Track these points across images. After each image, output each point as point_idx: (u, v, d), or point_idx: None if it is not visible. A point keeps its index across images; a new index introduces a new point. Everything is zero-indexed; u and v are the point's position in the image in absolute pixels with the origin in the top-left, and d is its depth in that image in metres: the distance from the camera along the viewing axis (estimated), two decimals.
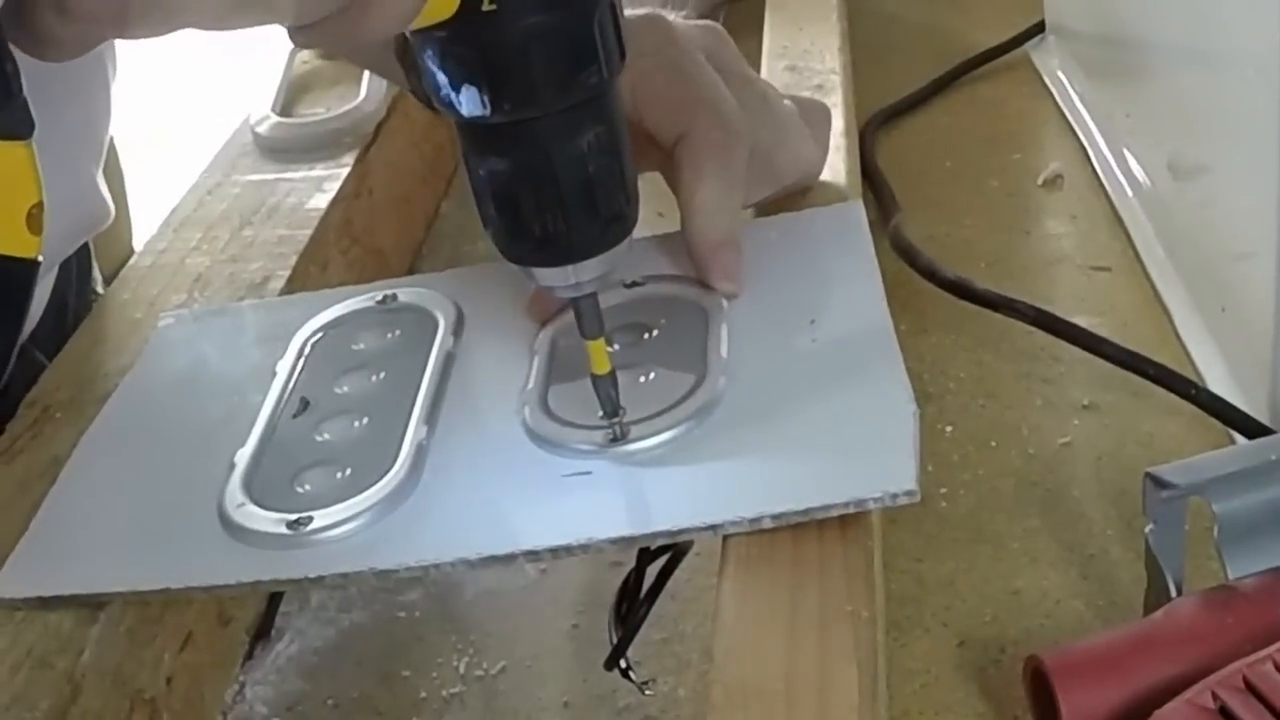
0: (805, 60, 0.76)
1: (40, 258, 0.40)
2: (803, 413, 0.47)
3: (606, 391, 0.47)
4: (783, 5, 0.84)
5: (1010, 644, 0.50)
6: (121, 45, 0.68)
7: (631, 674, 0.46)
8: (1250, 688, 0.41)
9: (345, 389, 0.54)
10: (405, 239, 0.80)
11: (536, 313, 0.54)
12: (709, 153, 0.53)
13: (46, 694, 0.43)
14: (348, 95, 0.80)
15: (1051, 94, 0.88)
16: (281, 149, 0.76)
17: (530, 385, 0.51)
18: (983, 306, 0.65)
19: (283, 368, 0.55)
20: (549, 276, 0.46)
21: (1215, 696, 0.41)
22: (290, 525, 0.46)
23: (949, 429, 0.61)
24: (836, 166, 0.63)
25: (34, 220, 0.39)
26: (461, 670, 0.53)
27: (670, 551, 0.46)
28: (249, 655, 0.54)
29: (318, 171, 0.73)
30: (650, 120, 0.54)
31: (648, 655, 0.51)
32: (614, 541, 0.44)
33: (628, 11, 0.44)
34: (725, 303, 0.53)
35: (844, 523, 0.43)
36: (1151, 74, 0.75)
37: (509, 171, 0.44)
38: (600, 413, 0.47)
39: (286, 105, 0.81)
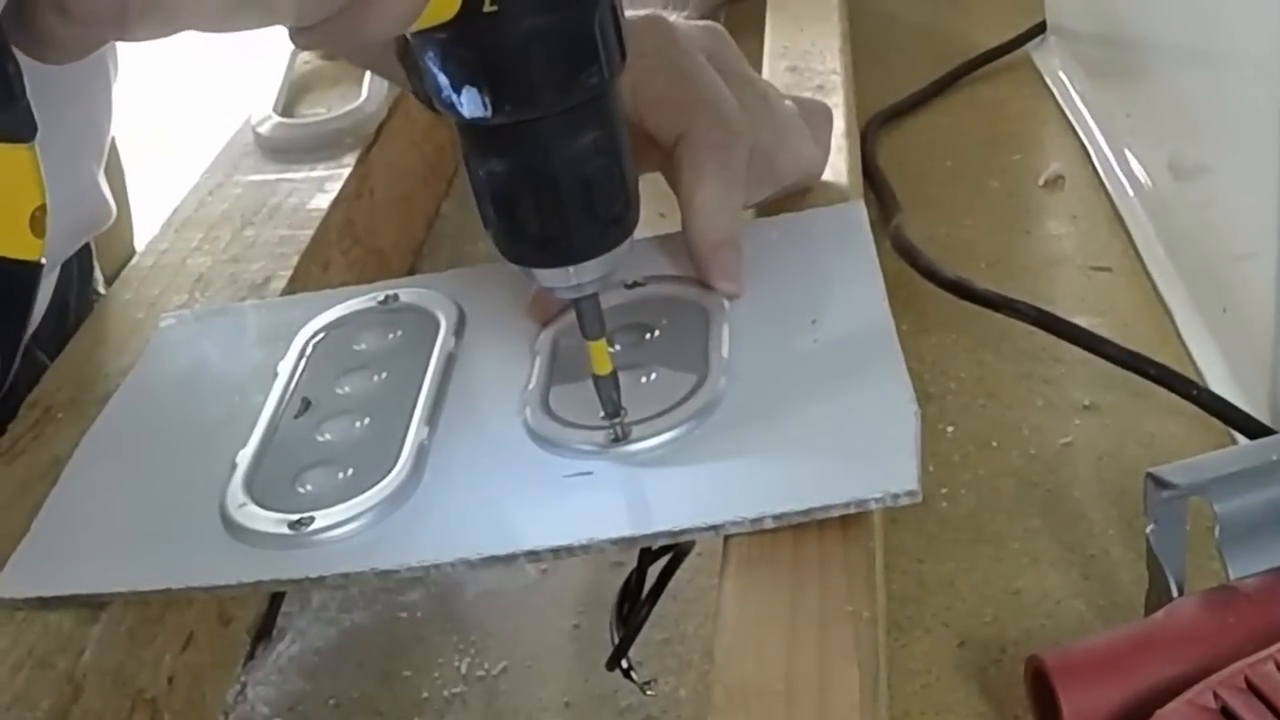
0: (806, 60, 0.76)
1: (43, 260, 0.40)
2: (804, 413, 0.47)
3: (608, 392, 0.47)
4: (784, 5, 0.84)
5: (1011, 644, 0.50)
6: (123, 45, 0.68)
7: (633, 674, 0.46)
8: (1252, 688, 0.41)
9: (347, 389, 0.54)
10: (406, 239, 0.81)
11: (538, 313, 0.54)
12: (709, 153, 0.53)
13: (47, 694, 0.43)
14: (349, 96, 0.80)
15: (1052, 94, 0.88)
16: (283, 149, 0.76)
17: (531, 386, 0.51)
18: (983, 307, 0.65)
19: (284, 368, 0.55)
20: (550, 277, 0.46)
21: (1217, 696, 0.41)
22: (292, 525, 0.46)
23: (950, 429, 0.61)
24: (837, 166, 0.63)
25: (37, 223, 0.39)
26: (463, 670, 0.53)
27: (672, 552, 0.46)
28: (250, 655, 0.54)
29: (319, 172, 0.73)
30: (650, 121, 0.54)
31: (649, 655, 0.51)
32: (615, 542, 0.44)
33: (628, 12, 0.44)
34: (726, 303, 0.53)
35: (845, 523, 0.43)
36: (1152, 74, 0.75)
37: (510, 172, 0.44)
38: (601, 413, 0.47)
39: (288, 105, 0.81)
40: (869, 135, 0.82)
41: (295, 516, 0.47)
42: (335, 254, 0.70)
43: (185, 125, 2.40)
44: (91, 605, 0.46)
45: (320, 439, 0.51)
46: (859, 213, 0.57)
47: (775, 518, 0.42)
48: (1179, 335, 0.65)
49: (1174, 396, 0.59)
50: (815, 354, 0.49)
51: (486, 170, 0.44)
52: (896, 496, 0.42)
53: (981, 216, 0.77)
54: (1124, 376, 0.61)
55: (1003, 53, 0.93)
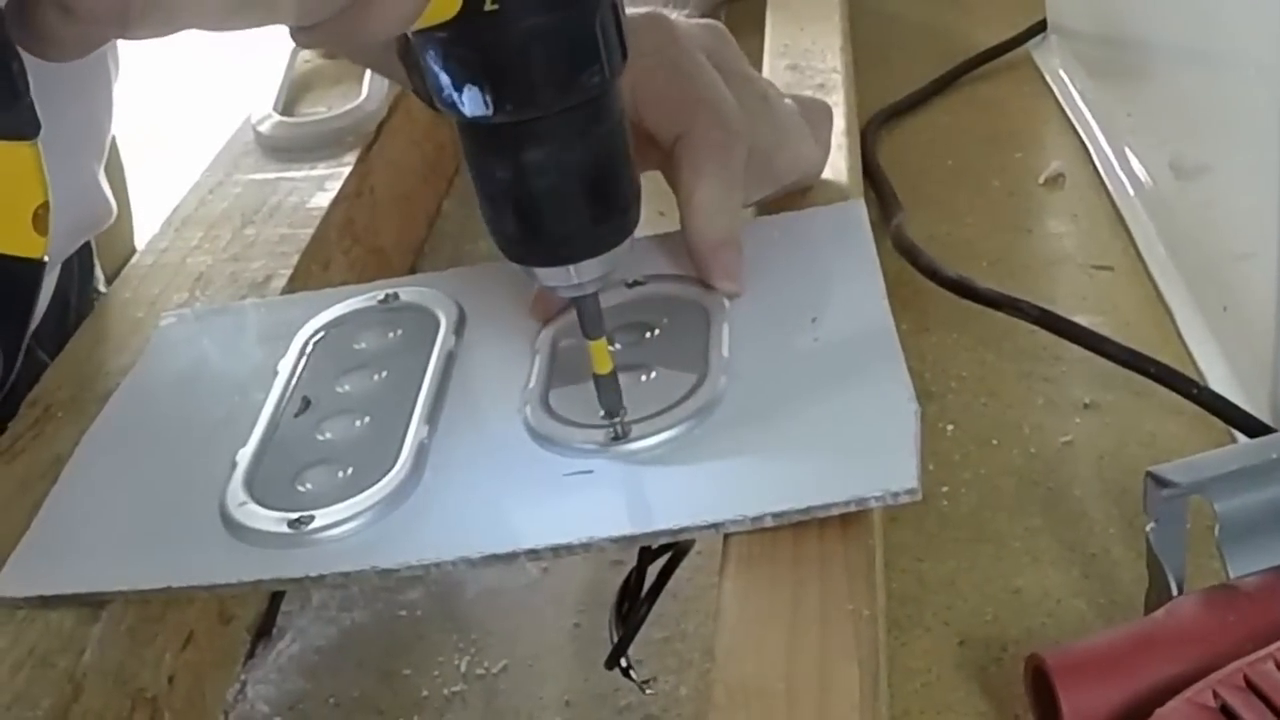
0: (807, 59, 0.76)
1: (47, 258, 0.40)
2: (804, 411, 0.47)
3: (608, 391, 0.47)
4: (784, 4, 0.83)
5: (1011, 643, 0.50)
6: (123, 44, 0.68)
7: (632, 673, 0.46)
8: (1251, 686, 0.41)
9: (347, 388, 0.54)
10: (407, 238, 0.81)
11: (540, 313, 0.54)
12: (708, 152, 0.53)
13: (48, 693, 0.43)
14: (349, 94, 0.80)
15: (1053, 93, 0.88)
16: (283, 148, 0.76)
17: (531, 384, 0.51)
18: (984, 305, 0.65)
19: (284, 367, 0.55)
20: (550, 276, 0.46)
21: (1216, 695, 0.41)
22: (291, 524, 0.46)
23: (950, 428, 0.61)
24: (838, 165, 0.63)
25: (40, 220, 0.39)
26: (463, 669, 0.53)
27: (671, 550, 0.46)
28: (250, 654, 0.54)
29: (319, 170, 0.73)
30: (650, 120, 0.54)
31: (649, 654, 0.51)
32: (615, 540, 0.44)
33: (629, 10, 0.44)
34: (726, 302, 0.53)
35: (845, 521, 0.43)
36: (1153, 73, 0.75)
37: (511, 171, 0.44)
38: (602, 412, 0.47)
39: (288, 104, 0.81)
40: (869, 134, 0.82)
41: (295, 515, 0.47)
42: (336, 253, 0.70)
43: (185, 124, 2.40)
44: (92, 604, 0.46)
45: (320, 438, 0.51)
46: (859, 211, 0.57)
47: (775, 516, 0.42)
48: (1179, 334, 0.65)
49: (1175, 395, 0.59)
50: (815, 353, 0.49)
51: (487, 169, 0.44)
52: (896, 495, 0.42)
53: (982, 215, 0.77)
54: (1125, 375, 0.61)
55: (1003, 51, 0.93)
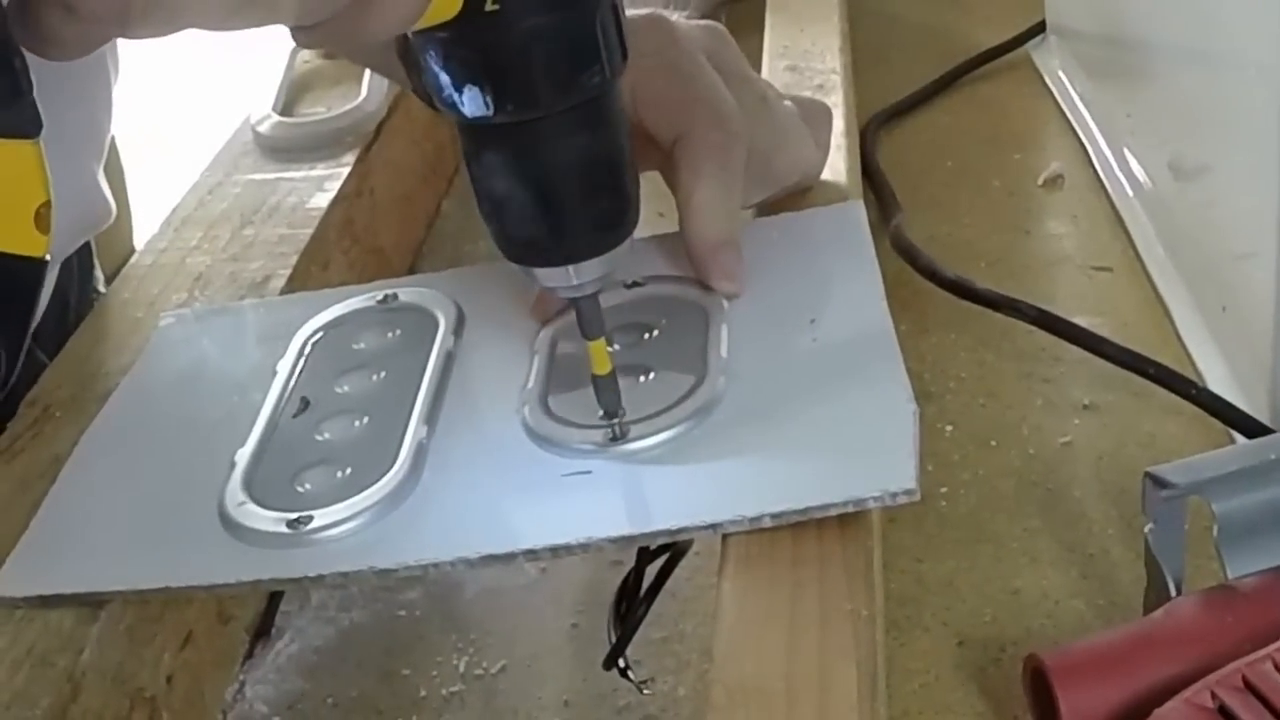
0: (806, 60, 0.76)
1: (48, 257, 0.40)
2: (803, 412, 0.47)
3: (607, 391, 0.47)
4: (784, 5, 0.84)
5: (1010, 644, 0.50)
6: (123, 44, 0.68)
7: (631, 673, 0.46)
8: (1250, 687, 0.41)
9: (346, 388, 0.54)
10: (406, 238, 0.81)
11: (540, 313, 0.54)
12: (707, 154, 0.53)
13: (47, 692, 0.43)
14: (349, 94, 0.80)
15: (1052, 94, 0.88)
16: (283, 148, 0.76)
17: (530, 385, 0.51)
18: (984, 306, 0.65)
19: (283, 367, 0.55)
20: (549, 277, 0.46)
21: (1214, 696, 0.41)
22: (290, 524, 0.46)
23: (949, 428, 0.61)
24: (837, 166, 0.63)
25: (42, 219, 0.39)
26: (461, 669, 0.53)
27: (670, 551, 0.46)
28: (249, 654, 0.54)
29: (319, 171, 0.73)
30: (649, 120, 0.54)
31: (647, 654, 0.51)
32: (614, 540, 0.44)
33: (629, 10, 0.44)
34: (725, 303, 0.53)
35: (844, 522, 0.43)
36: (1152, 74, 0.75)
37: (511, 172, 0.44)
38: (600, 412, 0.47)
39: (287, 104, 0.81)
40: (869, 135, 0.82)
41: (294, 515, 0.47)
42: (335, 253, 0.70)
43: (185, 124, 2.41)
44: (91, 604, 0.46)
45: (319, 438, 0.51)
46: (858, 212, 0.57)
47: (774, 516, 0.42)
48: (1179, 335, 0.65)
49: (1173, 396, 0.59)
50: (814, 353, 0.49)
51: (487, 170, 0.44)
52: (895, 495, 0.42)
53: (981, 216, 0.77)
54: (1124, 376, 0.61)
55: (1003, 52, 0.93)
